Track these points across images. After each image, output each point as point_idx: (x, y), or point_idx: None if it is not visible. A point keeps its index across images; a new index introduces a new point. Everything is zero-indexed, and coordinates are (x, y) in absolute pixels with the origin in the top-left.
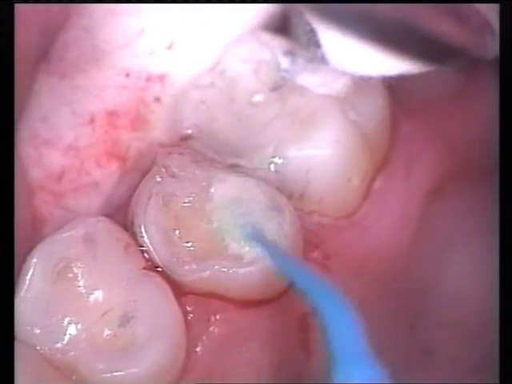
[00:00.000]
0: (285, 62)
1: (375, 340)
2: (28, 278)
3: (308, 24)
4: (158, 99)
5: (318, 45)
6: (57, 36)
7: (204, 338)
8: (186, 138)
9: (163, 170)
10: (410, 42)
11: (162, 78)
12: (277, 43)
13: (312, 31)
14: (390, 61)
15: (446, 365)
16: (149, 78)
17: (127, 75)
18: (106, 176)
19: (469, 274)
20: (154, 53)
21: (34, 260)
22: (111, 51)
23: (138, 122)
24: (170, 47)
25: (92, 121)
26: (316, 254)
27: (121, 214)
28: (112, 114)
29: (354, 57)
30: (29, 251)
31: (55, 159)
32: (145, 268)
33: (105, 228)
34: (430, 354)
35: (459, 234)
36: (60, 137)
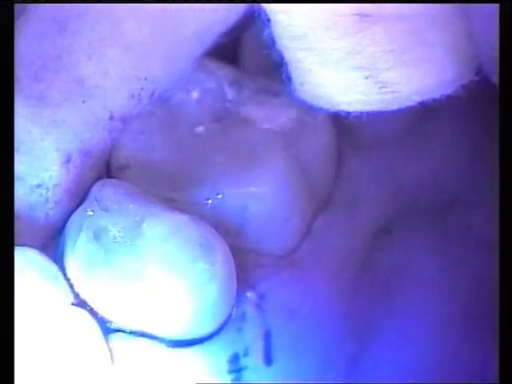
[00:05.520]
0: (230, 93)
1: None
2: None
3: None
4: None
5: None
6: None
7: None
8: (122, 168)
9: (95, 203)
10: None
11: None
12: (223, 73)
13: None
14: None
15: None
16: None
17: None
18: None
19: (418, 315)
20: None
21: None
22: None
23: None
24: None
25: None
26: (251, 294)
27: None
28: None
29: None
30: None
31: None
32: (72, 304)
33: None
34: None
35: (406, 274)
36: None
